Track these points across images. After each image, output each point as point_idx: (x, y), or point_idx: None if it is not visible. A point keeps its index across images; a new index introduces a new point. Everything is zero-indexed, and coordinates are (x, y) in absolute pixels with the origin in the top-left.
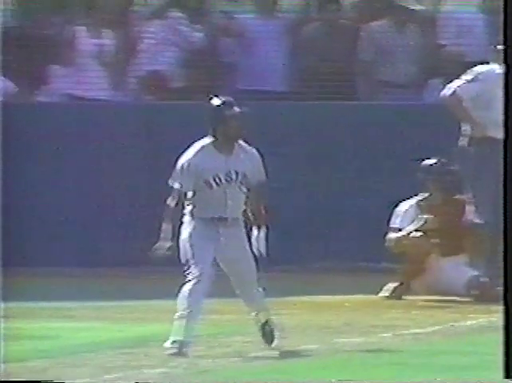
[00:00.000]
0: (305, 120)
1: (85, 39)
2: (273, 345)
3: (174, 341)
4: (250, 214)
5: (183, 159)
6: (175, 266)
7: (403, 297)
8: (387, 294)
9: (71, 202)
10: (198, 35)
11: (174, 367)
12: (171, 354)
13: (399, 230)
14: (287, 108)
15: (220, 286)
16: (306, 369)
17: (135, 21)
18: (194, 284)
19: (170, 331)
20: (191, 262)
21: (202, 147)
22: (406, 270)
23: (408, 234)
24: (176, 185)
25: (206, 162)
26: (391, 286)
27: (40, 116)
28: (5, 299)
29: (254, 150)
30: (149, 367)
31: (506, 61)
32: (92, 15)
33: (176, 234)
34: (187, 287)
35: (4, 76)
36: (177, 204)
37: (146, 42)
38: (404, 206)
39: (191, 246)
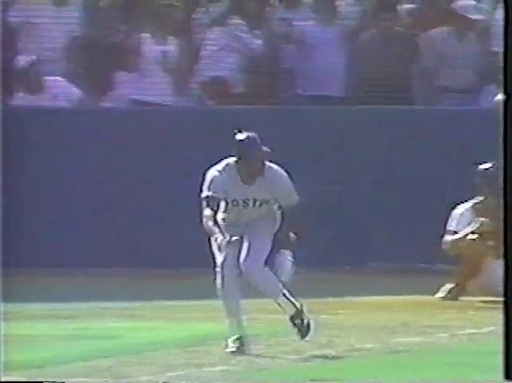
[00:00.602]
0: (362, 124)
1: (150, 46)
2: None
3: (234, 340)
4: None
5: (210, 175)
6: None
7: (459, 298)
8: (443, 295)
9: (136, 204)
10: (258, 41)
11: (234, 365)
12: (231, 352)
13: (455, 232)
14: (345, 113)
15: None
16: (362, 368)
17: (197, 29)
18: (221, 284)
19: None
20: (217, 260)
21: (225, 171)
22: (462, 271)
23: (464, 236)
24: (204, 200)
25: (227, 185)
26: (447, 287)
27: (105, 120)
28: (70, 300)
29: (282, 174)
30: (210, 365)
31: (505, 62)
32: (156, 23)
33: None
34: (217, 286)
35: (71, 82)
36: (211, 209)
37: (208, 49)
38: (460, 209)
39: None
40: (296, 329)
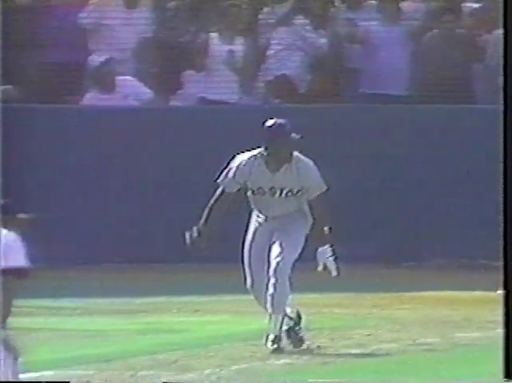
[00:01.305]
0: (425, 122)
1: (217, 45)
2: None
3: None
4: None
5: (234, 163)
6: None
7: None
8: None
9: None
10: (323, 41)
11: (297, 358)
12: (272, 351)
13: None
14: (408, 112)
15: (341, 281)
16: (425, 363)
17: (263, 29)
18: (251, 286)
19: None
20: (245, 261)
21: (255, 157)
22: None
23: None
24: (220, 184)
25: (253, 174)
26: None
27: (173, 119)
28: (137, 295)
29: (309, 164)
30: (274, 358)
31: (505, 62)
32: (224, 23)
33: (213, 227)
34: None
35: (141, 82)
36: (216, 201)
37: (273, 48)
38: None
39: (247, 245)
40: (290, 341)
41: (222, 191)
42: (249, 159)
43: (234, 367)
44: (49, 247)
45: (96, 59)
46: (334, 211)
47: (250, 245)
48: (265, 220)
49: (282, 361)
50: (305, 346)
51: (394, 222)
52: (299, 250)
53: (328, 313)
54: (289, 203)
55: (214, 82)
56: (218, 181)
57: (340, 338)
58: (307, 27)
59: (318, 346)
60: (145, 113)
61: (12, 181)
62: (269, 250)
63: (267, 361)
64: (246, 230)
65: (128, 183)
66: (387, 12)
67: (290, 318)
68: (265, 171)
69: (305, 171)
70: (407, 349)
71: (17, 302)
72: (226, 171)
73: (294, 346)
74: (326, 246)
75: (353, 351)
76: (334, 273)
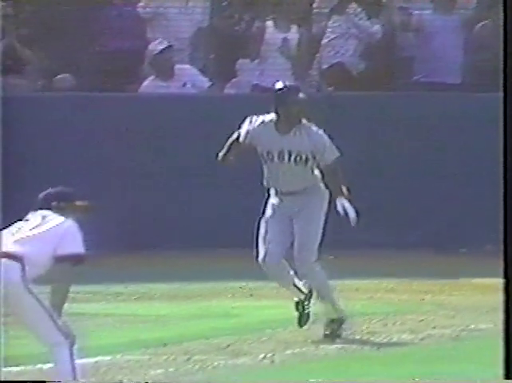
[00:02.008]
0: (478, 110)
1: (272, 34)
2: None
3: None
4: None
5: (245, 126)
6: (347, 249)
7: None
8: None
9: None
10: (377, 28)
11: (350, 343)
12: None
13: None
14: (461, 100)
15: (394, 266)
16: (478, 349)
17: (317, 17)
18: (263, 259)
19: (345, 308)
20: (260, 237)
21: (264, 122)
22: None
23: None
24: (238, 135)
25: (263, 137)
26: None
27: (230, 107)
28: (192, 280)
29: (320, 132)
30: (327, 343)
31: (505, 62)
32: (278, 11)
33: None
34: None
35: (199, 70)
36: (234, 141)
37: (328, 36)
38: None
39: (263, 223)
40: (328, 332)
41: (238, 137)
42: (259, 122)
43: (287, 352)
44: (106, 233)
45: (155, 47)
46: (348, 180)
47: (266, 223)
48: (281, 200)
49: (335, 346)
50: (309, 322)
51: (448, 209)
52: (320, 234)
53: (381, 298)
54: (300, 174)
55: (269, 70)
56: (241, 140)
57: (392, 324)
58: (361, 15)
59: (370, 332)
60: (202, 101)
61: (72, 167)
62: (292, 241)
63: (320, 346)
64: (264, 211)
65: (183, 170)
66: (440, 1)
67: (301, 292)
68: (274, 134)
69: (315, 136)
70: (460, 335)
71: (73, 288)
72: (237, 132)
73: (299, 320)
74: (343, 199)
75: (406, 337)
76: (352, 223)
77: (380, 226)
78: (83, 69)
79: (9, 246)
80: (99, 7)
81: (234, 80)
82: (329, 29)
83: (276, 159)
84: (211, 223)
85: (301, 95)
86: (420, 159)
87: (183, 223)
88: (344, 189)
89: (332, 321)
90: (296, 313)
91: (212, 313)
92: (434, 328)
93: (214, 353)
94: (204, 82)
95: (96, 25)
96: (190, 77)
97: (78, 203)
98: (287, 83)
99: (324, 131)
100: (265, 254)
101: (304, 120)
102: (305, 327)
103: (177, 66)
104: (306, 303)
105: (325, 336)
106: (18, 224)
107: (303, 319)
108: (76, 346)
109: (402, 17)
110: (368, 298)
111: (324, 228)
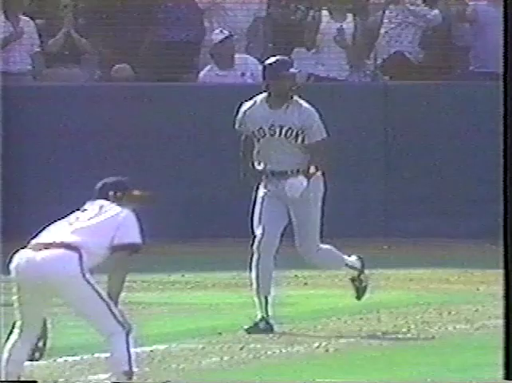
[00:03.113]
0: None
1: (327, 23)
2: None
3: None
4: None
5: (241, 109)
6: (401, 238)
7: None
8: None
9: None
10: (435, 16)
11: (404, 333)
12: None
13: None
14: None
15: (449, 256)
16: None
17: (373, 6)
18: (256, 262)
19: (400, 298)
20: (255, 223)
21: (256, 101)
22: None
23: None
24: (239, 130)
25: (255, 114)
26: None
27: None
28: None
29: (311, 109)
30: (381, 332)
31: (505, 61)
32: (334, 1)
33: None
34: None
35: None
36: (246, 147)
37: (385, 26)
38: None
39: (257, 209)
40: (355, 289)
41: (246, 137)
42: (252, 102)
43: (341, 341)
44: (163, 223)
45: (215, 36)
46: (331, 158)
47: (260, 208)
48: (274, 185)
49: (389, 336)
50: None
51: (500, 200)
52: (319, 221)
53: (435, 288)
54: (291, 150)
55: (324, 59)
56: (236, 128)
57: (447, 313)
58: (417, 3)
59: (425, 321)
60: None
61: (130, 156)
62: (292, 233)
63: (375, 335)
64: (255, 199)
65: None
66: None
67: (354, 267)
68: (266, 110)
69: (306, 112)
70: None
71: (130, 277)
72: (237, 117)
73: (357, 293)
74: (302, 177)
75: (461, 327)
76: (289, 194)
77: (435, 215)
78: (140, 59)
79: (66, 236)
80: None
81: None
82: (386, 19)
83: (267, 134)
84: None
85: (292, 69)
86: (476, 148)
87: (238, 213)
88: (313, 167)
89: (354, 278)
90: (353, 287)
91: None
92: (489, 318)
93: (268, 341)
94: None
95: (154, 16)
96: (249, 67)
97: (135, 192)
98: (277, 57)
99: (380, 120)
100: (261, 239)
101: (295, 97)
102: (359, 316)
103: (237, 56)
104: (362, 275)
105: (356, 291)
106: (76, 214)
107: (360, 292)
108: (132, 335)
109: (457, 7)
110: (423, 287)
111: (322, 212)
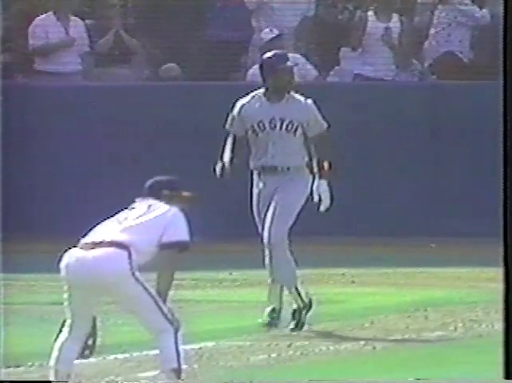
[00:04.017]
0: None
1: (374, 23)
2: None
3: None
4: (314, 166)
5: (237, 105)
6: (447, 237)
7: None
8: None
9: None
10: (484, 14)
11: (452, 331)
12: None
13: None
14: None
15: (496, 255)
16: None
17: (420, 6)
18: (266, 247)
19: (447, 296)
20: (256, 220)
21: (254, 95)
22: None
23: None
24: (228, 127)
25: (254, 108)
26: None
27: (331, 95)
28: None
29: (310, 101)
30: (428, 331)
31: (505, 61)
32: (380, 2)
33: (230, 172)
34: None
35: (306, 58)
36: (233, 145)
37: (434, 25)
38: None
39: (254, 207)
40: (293, 322)
41: (234, 137)
42: (250, 97)
43: (388, 338)
44: (211, 221)
45: (265, 35)
46: (335, 150)
47: (256, 207)
48: (264, 184)
49: (436, 334)
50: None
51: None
52: (294, 216)
53: (483, 287)
54: (289, 145)
55: (371, 59)
56: (226, 127)
57: (494, 312)
58: (466, 2)
59: (472, 320)
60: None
61: (178, 155)
62: (265, 216)
63: (422, 333)
64: (251, 195)
65: None
66: None
67: (302, 301)
68: (265, 104)
69: (306, 105)
70: None
71: (178, 275)
72: (230, 115)
73: (296, 326)
74: (323, 181)
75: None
76: (323, 208)
77: (482, 214)
78: (189, 58)
79: (116, 234)
80: None
81: (336, 68)
82: (435, 19)
83: (267, 127)
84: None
85: (289, 63)
86: None
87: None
88: (326, 165)
89: (296, 310)
90: (292, 321)
91: (315, 300)
92: None
93: (316, 339)
94: (311, 71)
95: (203, 15)
96: (298, 66)
97: (184, 193)
98: (275, 51)
99: (425, 118)
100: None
101: (293, 92)
102: (406, 314)
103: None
104: (304, 312)
105: (291, 329)
106: (125, 213)
107: (299, 326)
108: (180, 333)
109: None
110: (470, 286)
111: (298, 214)
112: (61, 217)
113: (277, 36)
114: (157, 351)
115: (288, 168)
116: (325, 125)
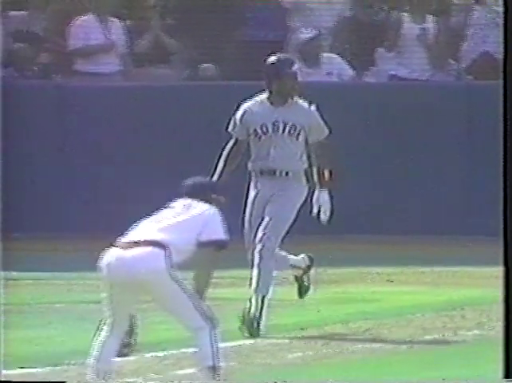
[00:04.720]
0: None
1: (409, 24)
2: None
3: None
4: (314, 174)
5: (240, 109)
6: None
7: None
8: None
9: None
10: None
11: (488, 330)
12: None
13: None
14: None
15: None
16: None
17: (456, 7)
18: (255, 253)
19: (484, 295)
20: (246, 227)
21: (257, 99)
22: None
23: None
24: (231, 130)
25: (257, 112)
26: None
27: (368, 96)
28: (331, 265)
29: (313, 107)
30: (465, 329)
31: (505, 61)
32: (415, 3)
33: (226, 176)
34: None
35: (342, 58)
36: (232, 149)
37: (471, 26)
38: None
39: (247, 211)
40: (297, 287)
41: (236, 141)
42: (253, 101)
43: (425, 337)
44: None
45: (304, 35)
46: (336, 156)
47: (250, 210)
48: (260, 188)
49: (473, 333)
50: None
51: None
52: (287, 225)
53: None
54: (290, 149)
55: (406, 59)
56: (229, 130)
57: None
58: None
59: None
60: (343, 89)
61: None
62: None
63: (459, 332)
64: (246, 198)
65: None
66: None
67: (298, 267)
68: (268, 108)
69: (309, 110)
70: None
71: (217, 273)
72: (233, 119)
73: (299, 291)
74: (324, 191)
75: None
76: (324, 218)
77: None
78: (226, 58)
79: (154, 233)
80: None
81: (372, 68)
82: (472, 20)
83: (270, 130)
84: (351, 209)
85: (294, 68)
86: None
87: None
88: (327, 173)
89: (297, 277)
90: (296, 285)
91: (351, 298)
92: None
93: (352, 337)
94: (348, 71)
95: (240, 15)
96: (335, 66)
97: (214, 196)
98: (280, 56)
99: (460, 119)
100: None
101: (296, 97)
102: (443, 313)
103: (324, 55)
104: (306, 276)
105: (298, 289)
106: (163, 212)
107: (302, 290)
108: (217, 330)
109: None
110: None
111: (293, 221)
112: (104, 218)
113: (315, 36)
114: (194, 349)
115: (286, 173)
116: (327, 132)
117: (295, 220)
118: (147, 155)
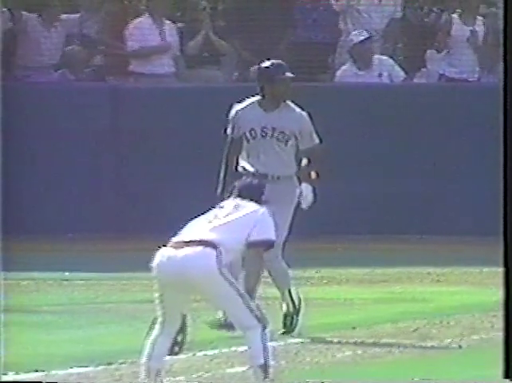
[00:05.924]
0: None
1: (459, 25)
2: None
3: None
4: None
5: (233, 110)
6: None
7: None
8: None
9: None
10: None
11: None
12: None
13: None
14: None
15: None
16: None
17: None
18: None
19: None
20: None
21: (249, 103)
22: None
23: None
24: (228, 131)
25: (248, 115)
26: None
27: (416, 96)
28: (380, 265)
29: (304, 113)
30: (496, 330)
31: (505, 60)
32: (466, 4)
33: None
34: None
35: (394, 60)
36: (230, 149)
37: None
38: None
39: None
40: (283, 326)
41: (231, 140)
42: (245, 104)
43: (474, 337)
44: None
45: (356, 37)
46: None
47: None
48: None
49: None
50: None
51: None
52: (287, 228)
53: None
54: (279, 154)
55: (455, 61)
56: (228, 132)
57: None
58: None
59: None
60: (394, 91)
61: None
62: None
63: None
64: None
65: (379, 157)
66: None
67: (293, 301)
68: (259, 112)
69: (301, 116)
70: None
71: (266, 273)
72: (229, 119)
73: (285, 330)
74: (309, 185)
75: None
76: (304, 206)
77: None
78: (277, 59)
79: (205, 233)
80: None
81: (423, 70)
82: None
83: (259, 135)
84: (396, 209)
85: (287, 74)
86: None
87: (376, 209)
88: (313, 173)
89: (287, 314)
90: (282, 324)
91: (400, 298)
92: None
93: (401, 336)
94: (400, 73)
95: (291, 17)
96: (387, 68)
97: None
98: (274, 61)
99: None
100: None
101: (288, 102)
102: (492, 313)
103: (376, 56)
104: (295, 317)
105: (283, 332)
106: (214, 211)
107: (290, 330)
108: (268, 329)
109: None
110: None
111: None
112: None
113: (367, 38)
114: (245, 347)
115: (278, 177)
116: (317, 140)
117: (292, 223)
118: (199, 155)
